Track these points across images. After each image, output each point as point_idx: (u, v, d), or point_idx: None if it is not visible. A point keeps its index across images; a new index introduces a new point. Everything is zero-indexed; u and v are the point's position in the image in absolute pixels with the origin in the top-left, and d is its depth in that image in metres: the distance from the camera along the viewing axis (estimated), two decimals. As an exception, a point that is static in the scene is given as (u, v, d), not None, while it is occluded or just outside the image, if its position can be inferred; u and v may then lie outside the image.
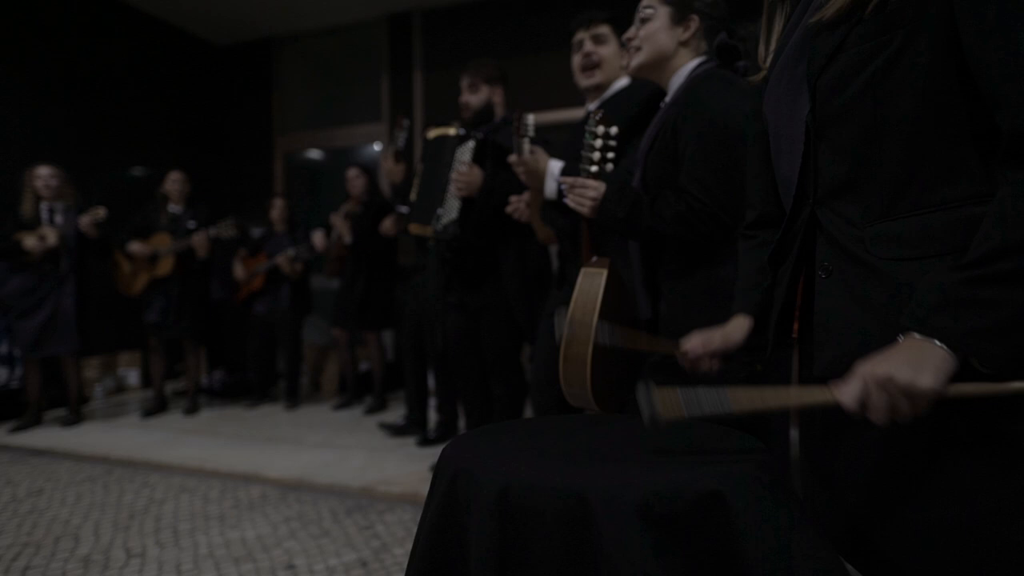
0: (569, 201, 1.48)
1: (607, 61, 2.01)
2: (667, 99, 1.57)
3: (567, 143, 2.04)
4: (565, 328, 1.36)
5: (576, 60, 2.05)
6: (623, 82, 2.05)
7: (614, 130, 1.43)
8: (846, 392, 0.76)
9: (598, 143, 1.43)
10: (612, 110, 2.01)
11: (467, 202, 2.56)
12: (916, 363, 0.73)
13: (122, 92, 5.32)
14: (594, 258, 1.49)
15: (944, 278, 0.75)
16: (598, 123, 1.42)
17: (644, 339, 1.39)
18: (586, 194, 1.45)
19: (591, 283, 1.40)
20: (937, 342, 0.73)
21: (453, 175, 2.57)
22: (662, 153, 1.48)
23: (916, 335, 0.74)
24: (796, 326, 0.99)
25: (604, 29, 2.02)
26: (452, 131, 2.71)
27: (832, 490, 0.91)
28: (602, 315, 1.35)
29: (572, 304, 1.38)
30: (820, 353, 0.88)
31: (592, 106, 2.07)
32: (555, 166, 1.90)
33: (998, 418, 0.76)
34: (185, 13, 5.54)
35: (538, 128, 1.95)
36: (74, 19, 4.99)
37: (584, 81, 2.05)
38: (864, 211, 0.84)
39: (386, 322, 4.36)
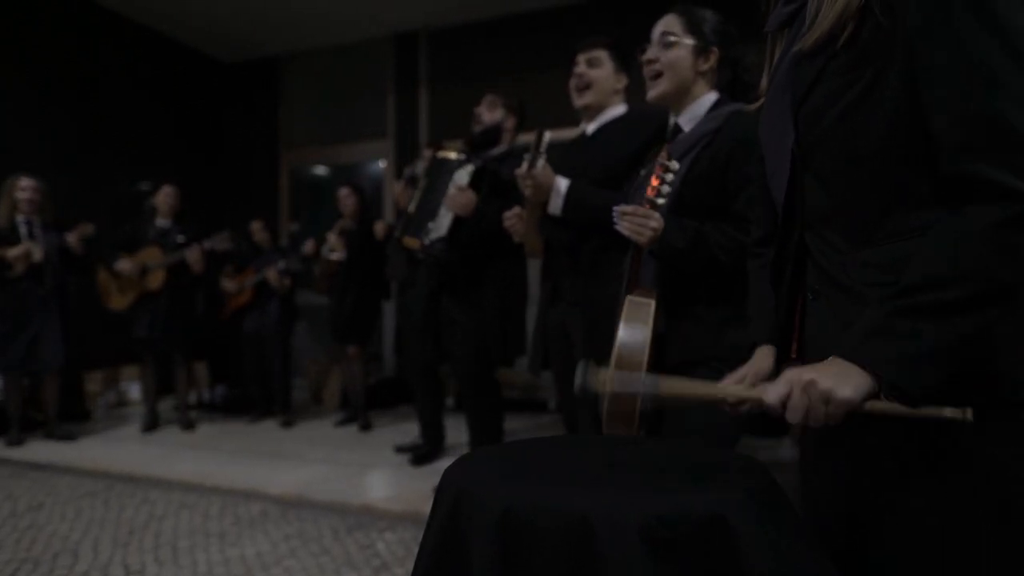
0: (622, 228, 1.50)
1: (597, 83, 2.11)
2: (682, 125, 1.62)
3: (558, 159, 2.08)
4: (611, 377, 1.31)
5: (572, 82, 2.17)
6: (620, 109, 2.16)
7: (675, 165, 1.47)
8: (771, 391, 0.81)
9: (669, 177, 1.46)
10: (612, 137, 2.08)
11: (458, 222, 2.67)
12: (839, 375, 0.78)
13: (130, 108, 5.37)
14: (636, 288, 1.50)
15: (874, 309, 0.79)
16: (669, 158, 1.46)
17: (691, 387, 1.33)
18: (648, 224, 1.48)
19: (637, 313, 1.39)
20: (859, 367, 0.77)
21: (448, 195, 2.70)
22: (708, 182, 1.53)
23: (840, 360, 0.79)
24: (795, 347, 1.00)
25: (598, 53, 2.12)
26: (454, 154, 2.86)
27: (826, 509, 0.93)
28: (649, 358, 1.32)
29: (617, 347, 1.34)
30: None
31: (591, 128, 2.17)
32: (562, 183, 1.98)
33: (968, 437, 0.78)
34: (194, 31, 5.61)
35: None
36: (83, 36, 5.05)
37: (576, 100, 2.16)
38: (846, 238, 0.87)
39: (368, 337, 4.41)
